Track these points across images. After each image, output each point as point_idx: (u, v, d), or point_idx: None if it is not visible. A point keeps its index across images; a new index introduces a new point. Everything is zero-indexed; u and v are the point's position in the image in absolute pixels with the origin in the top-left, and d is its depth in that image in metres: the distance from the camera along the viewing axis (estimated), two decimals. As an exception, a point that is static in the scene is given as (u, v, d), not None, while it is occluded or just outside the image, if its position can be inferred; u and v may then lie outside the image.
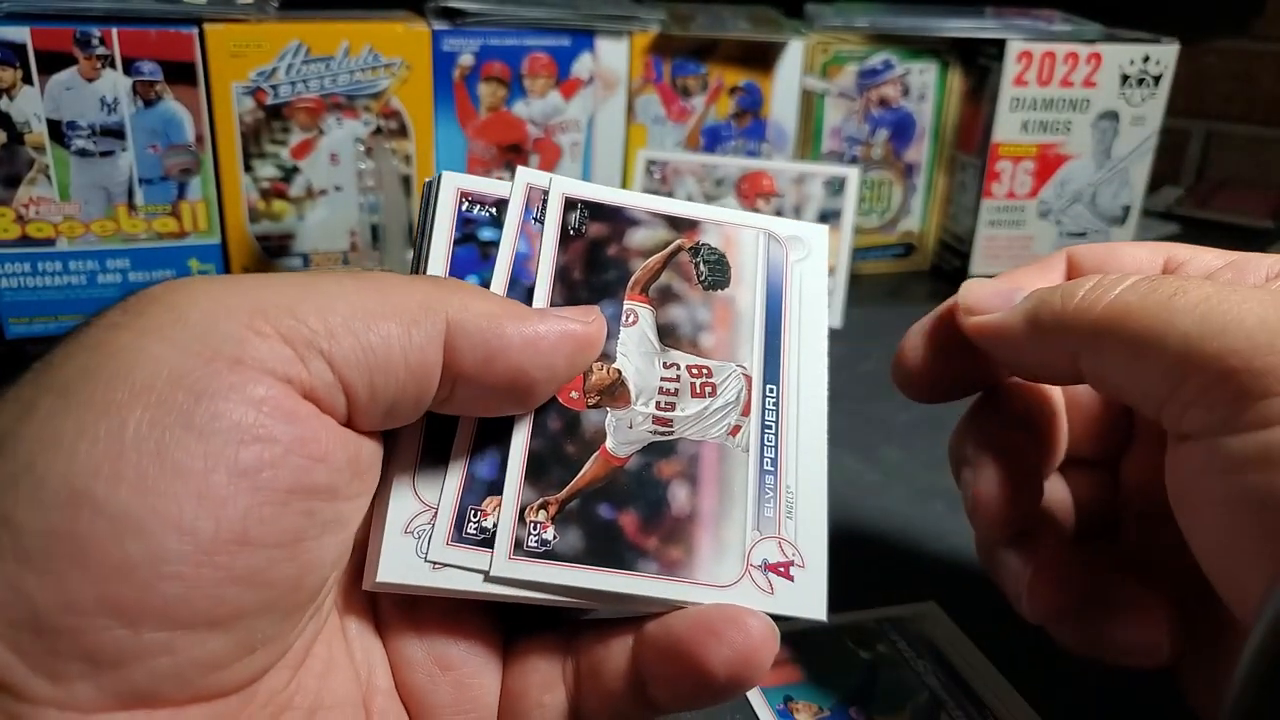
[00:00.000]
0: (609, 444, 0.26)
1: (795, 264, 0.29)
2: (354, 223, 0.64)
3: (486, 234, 0.26)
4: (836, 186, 0.67)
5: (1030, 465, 0.29)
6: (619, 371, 0.26)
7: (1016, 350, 0.27)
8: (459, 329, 0.22)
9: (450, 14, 0.63)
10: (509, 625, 0.26)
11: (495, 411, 0.24)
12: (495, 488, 0.24)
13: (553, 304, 0.26)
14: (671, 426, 0.26)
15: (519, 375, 0.23)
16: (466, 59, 0.64)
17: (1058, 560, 0.29)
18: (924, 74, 0.73)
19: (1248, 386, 0.21)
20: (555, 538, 0.24)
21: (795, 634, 0.34)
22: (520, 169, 0.27)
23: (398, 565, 0.23)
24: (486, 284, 0.26)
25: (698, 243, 0.29)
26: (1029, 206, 0.75)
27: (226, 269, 0.63)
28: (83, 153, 0.57)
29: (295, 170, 0.63)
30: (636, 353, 0.27)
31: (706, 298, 0.28)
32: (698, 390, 0.27)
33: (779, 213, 0.66)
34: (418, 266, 0.26)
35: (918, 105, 0.74)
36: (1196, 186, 1.00)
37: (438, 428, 0.24)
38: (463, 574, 0.23)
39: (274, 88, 0.60)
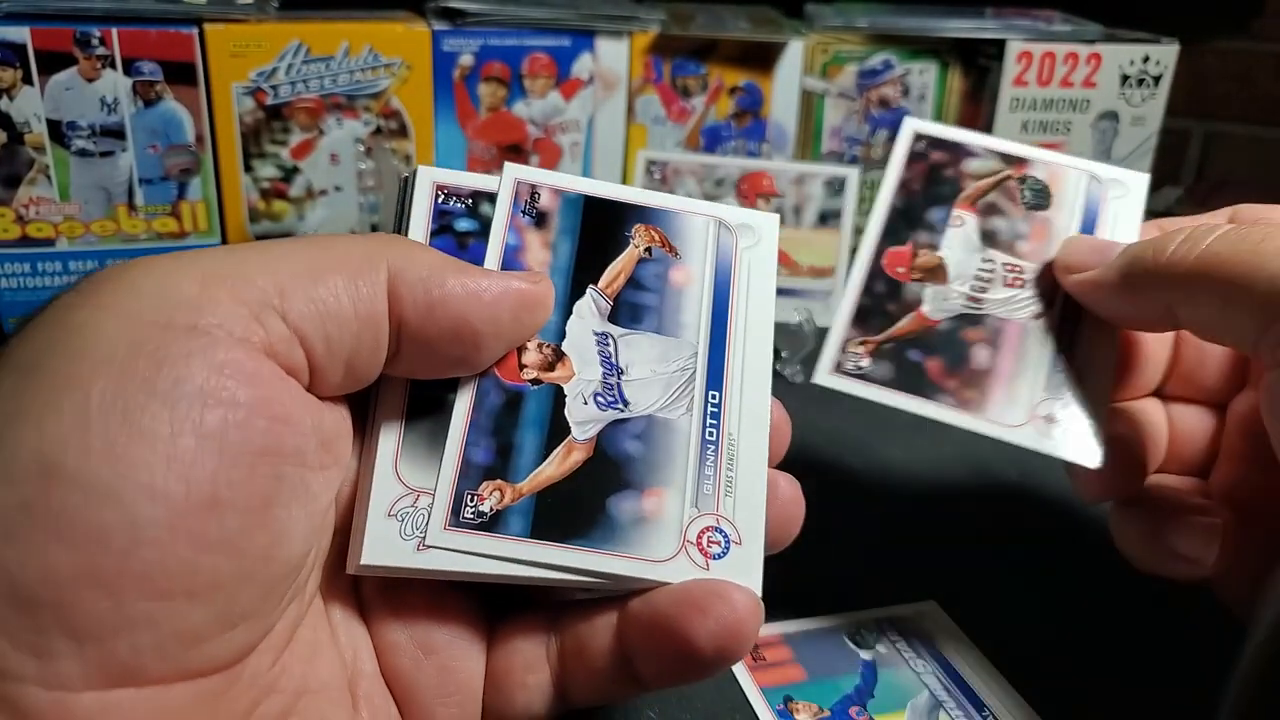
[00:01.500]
0: (925, 308, 0.33)
1: (1113, 200, 0.34)
2: (354, 223, 0.64)
3: (463, 225, 0.27)
4: (836, 187, 0.67)
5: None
6: (941, 258, 0.34)
7: (1113, 304, 0.31)
8: (401, 277, 0.23)
9: (450, 14, 0.63)
10: (493, 608, 0.26)
11: (445, 371, 0.25)
12: (491, 473, 0.25)
13: (890, 211, 0.35)
14: (982, 305, 0.33)
15: (462, 325, 0.23)
16: (466, 59, 0.64)
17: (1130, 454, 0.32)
18: (924, 74, 0.73)
19: None
20: (870, 365, 0.32)
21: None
22: (509, 165, 0.28)
23: (382, 548, 0.23)
24: None
25: (1025, 173, 0.35)
26: (1029, 206, 0.75)
27: (226, 269, 0.63)
28: (83, 153, 0.57)
29: (295, 170, 0.63)
30: (959, 247, 0.34)
31: (1027, 216, 0.34)
32: (1009, 281, 0.33)
33: (779, 212, 0.66)
34: None
35: (918, 105, 0.74)
36: (1196, 186, 1.00)
37: (420, 412, 0.25)
38: (451, 555, 0.24)
39: (274, 88, 0.60)
